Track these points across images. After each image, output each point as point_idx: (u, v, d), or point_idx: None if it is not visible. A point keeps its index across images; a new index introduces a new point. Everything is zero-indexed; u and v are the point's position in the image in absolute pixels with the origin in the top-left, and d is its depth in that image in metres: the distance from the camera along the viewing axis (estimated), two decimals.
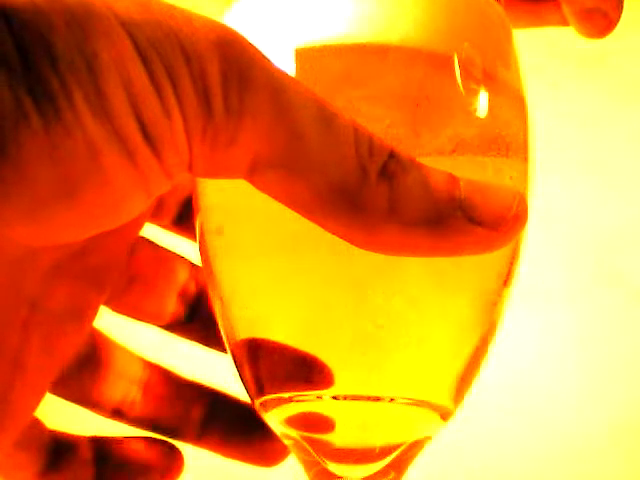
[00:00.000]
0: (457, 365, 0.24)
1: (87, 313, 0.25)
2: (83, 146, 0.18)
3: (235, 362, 0.26)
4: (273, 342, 0.24)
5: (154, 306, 0.29)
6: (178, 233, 0.30)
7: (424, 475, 0.30)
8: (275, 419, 0.25)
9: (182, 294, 0.29)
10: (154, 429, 0.30)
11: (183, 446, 0.30)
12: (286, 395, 0.24)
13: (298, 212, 0.20)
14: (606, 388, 0.60)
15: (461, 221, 0.20)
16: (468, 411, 0.26)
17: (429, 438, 0.26)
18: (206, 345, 0.31)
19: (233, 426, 0.30)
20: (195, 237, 0.27)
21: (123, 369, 0.29)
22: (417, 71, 0.22)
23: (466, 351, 0.24)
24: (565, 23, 0.27)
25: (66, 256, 0.24)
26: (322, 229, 0.20)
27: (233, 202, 0.24)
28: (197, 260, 0.28)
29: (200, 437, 0.30)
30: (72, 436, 0.29)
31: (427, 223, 0.20)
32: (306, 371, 0.24)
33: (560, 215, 0.62)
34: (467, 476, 0.59)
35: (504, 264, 0.25)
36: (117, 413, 0.29)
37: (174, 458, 0.30)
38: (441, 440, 0.26)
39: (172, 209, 0.29)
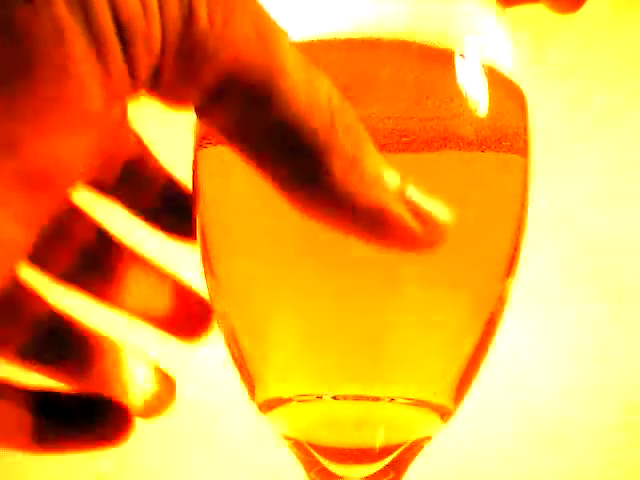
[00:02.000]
0: (457, 365, 0.24)
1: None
2: (50, 27, 0.17)
3: (235, 362, 0.26)
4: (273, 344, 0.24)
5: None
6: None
7: (423, 475, 0.30)
8: (275, 419, 0.25)
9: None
10: None
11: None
12: (286, 395, 0.24)
13: (242, 154, 0.19)
14: (605, 389, 0.60)
15: (401, 210, 0.19)
16: (468, 411, 0.26)
17: (429, 438, 0.26)
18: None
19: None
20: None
21: None
22: (413, 66, 0.22)
23: (466, 351, 0.24)
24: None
25: None
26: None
27: (234, 197, 0.24)
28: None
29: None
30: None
31: (369, 203, 0.19)
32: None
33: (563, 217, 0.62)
34: (467, 476, 0.59)
35: (504, 263, 0.25)
36: None
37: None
38: (441, 440, 0.26)
39: (115, 170, 0.29)
